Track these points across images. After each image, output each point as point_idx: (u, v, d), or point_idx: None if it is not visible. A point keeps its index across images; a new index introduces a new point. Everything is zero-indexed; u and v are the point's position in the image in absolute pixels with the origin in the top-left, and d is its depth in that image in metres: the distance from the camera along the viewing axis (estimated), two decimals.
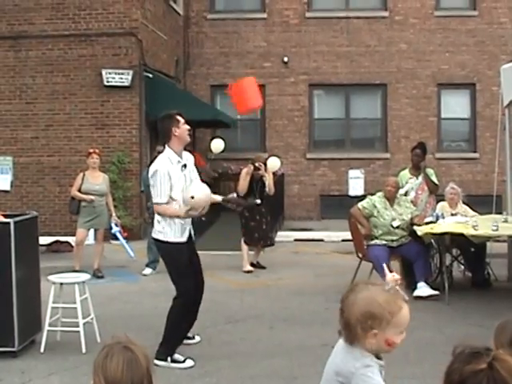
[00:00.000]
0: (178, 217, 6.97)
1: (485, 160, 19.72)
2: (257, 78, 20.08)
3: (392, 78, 20.31)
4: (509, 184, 11.54)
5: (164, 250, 7.21)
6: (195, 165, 7.58)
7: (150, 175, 7.07)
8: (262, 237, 12.64)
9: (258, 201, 12.40)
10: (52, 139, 16.44)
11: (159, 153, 10.59)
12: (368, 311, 2.90)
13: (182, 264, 7.05)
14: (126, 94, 16.25)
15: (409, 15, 20.24)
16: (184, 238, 7.12)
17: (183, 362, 6.97)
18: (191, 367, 6.91)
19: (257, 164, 12.40)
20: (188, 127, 7.21)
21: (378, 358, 3.01)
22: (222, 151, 13.76)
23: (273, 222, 14.68)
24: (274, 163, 13.24)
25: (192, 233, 7.39)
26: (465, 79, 20.29)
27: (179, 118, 7.16)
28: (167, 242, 7.04)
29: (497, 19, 20.20)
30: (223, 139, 13.83)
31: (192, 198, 6.80)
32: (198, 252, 7.49)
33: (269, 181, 12.59)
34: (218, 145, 13.70)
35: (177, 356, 6.98)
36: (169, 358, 6.95)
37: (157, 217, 7.13)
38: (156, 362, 6.83)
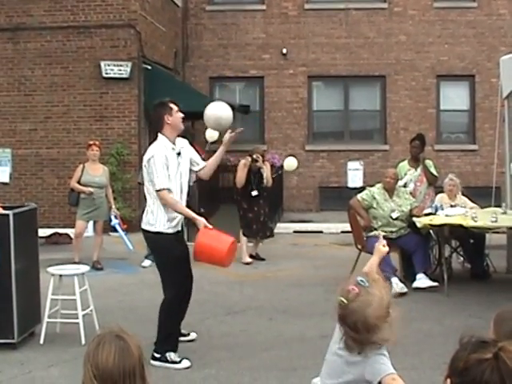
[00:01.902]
0: (178, 212, 6.85)
1: (484, 152, 19.71)
2: (256, 70, 20.30)
3: (391, 69, 20.28)
4: (508, 176, 11.54)
5: (154, 243, 7.04)
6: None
7: (144, 163, 6.89)
8: (260, 228, 12.65)
9: (255, 192, 12.42)
10: (51, 131, 16.42)
11: None
12: (385, 306, 2.97)
13: (173, 256, 6.89)
14: (125, 85, 16.23)
15: (408, 7, 20.20)
16: (176, 229, 6.99)
17: (179, 362, 6.84)
18: (187, 368, 6.81)
19: (255, 156, 12.40)
20: (182, 115, 7.07)
21: None
22: (216, 140, 13.73)
23: (272, 213, 14.69)
24: (291, 163, 13.39)
25: (182, 223, 7.28)
26: (464, 71, 20.27)
27: (172, 105, 7.05)
28: (159, 233, 6.86)
29: (496, 11, 20.17)
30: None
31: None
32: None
33: (266, 173, 12.58)
34: (212, 133, 13.70)
35: (173, 356, 6.86)
36: (167, 354, 6.85)
37: (149, 207, 6.93)
38: (152, 362, 6.76)
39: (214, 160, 7.33)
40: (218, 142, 13.50)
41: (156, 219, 6.87)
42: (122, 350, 2.52)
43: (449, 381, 2.22)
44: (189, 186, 7.44)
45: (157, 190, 6.78)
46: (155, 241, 6.98)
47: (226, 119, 7.09)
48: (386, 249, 3.87)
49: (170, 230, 6.91)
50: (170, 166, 6.80)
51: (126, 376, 2.50)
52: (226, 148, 7.30)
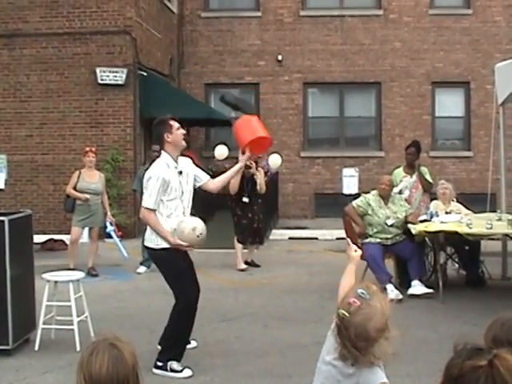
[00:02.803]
0: (162, 236, 6.82)
1: (479, 158, 19.75)
2: (251, 77, 20.31)
3: (386, 76, 20.32)
4: (503, 182, 11.57)
5: (158, 258, 7.01)
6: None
7: (145, 179, 6.91)
8: (252, 234, 12.64)
9: (246, 199, 12.41)
10: (46, 137, 16.42)
11: (154, 152, 10.55)
12: (385, 319, 2.98)
13: (178, 269, 6.89)
14: (121, 92, 16.24)
15: (403, 13, 20.25)
16: None
17: (181, 371, 6.82)
18: (189, 377, 6.77)
19: (248, 162, 12.38)
20: (183, 132, 7.04)
21: None
22: (226, 158, 13.79)
23: (267, 220, 14.68)
24: (275, 160, 13.34)
25: None
26: (459, 77, 20.31)
27: (172, 122, 6.99)
28: (161, 249, 6.86)
29: (491, 18, 20.22)
30: (227, 145, 13.84)
31: (193, 230, 6.72)
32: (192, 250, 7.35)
33: (260, 179, 12.57)
34: (221, 151, 13.72)
35: (175, 365, 6.83)
36: (169, 363, 6.81)
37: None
38: (154, 370, 6.78)
39: (226, 177, 7.44)
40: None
41: (156, 234, 6.87)
42: (115, 358, 2.51)
43: None
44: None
45: (144, 207, 6.84)
46: (160, 256, 6.95)
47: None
48: (359, 252, 3.88)
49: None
50: (171, 185, 6.82)
51: None
52: (242, 166, 7.40)
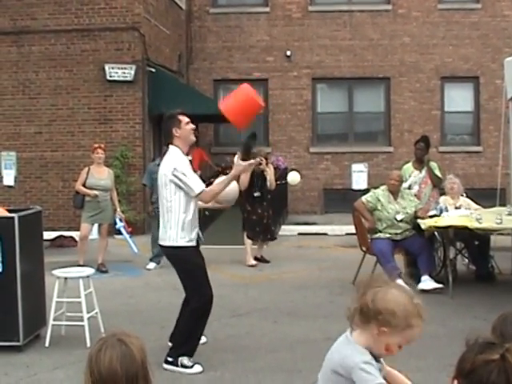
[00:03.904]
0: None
1: (488, 153, 19.69)
2: (260, 72, 20.30)
3: (395, 71, 20.28)
4: None
5: (174, 256, 6.96)
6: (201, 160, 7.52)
7: (168, 175, 6.73)
8: (263, 231, 12.65)
9: (257, 193, 12.44)
10: (55, 134, 16.45)
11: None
12: (393, 309, 2.95)
13: (193, 268, 6.90)
14: (129, 88, 16.26)
15: (412, 8, 20.19)
16: (194, 242, 6.95)
17: (191, 367, 6.82)
18: (200, 373, 6.78)
19: (258, 158, 12.38)
20: (192, 126, 7.01)
21: (377, 360, 3.05)
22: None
23: (276, 216, 14.68)
24: (294, 178, 13.57)
25: (200, 234, 7.20)
26: (468, 72, 20.24)
27: (181, 117, 6.95)
28: (176, 247, 6.83)
29: (500, 12, 20.15)
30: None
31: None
32: (202, 247, 7.31)
33: (270, 175, 12.59)
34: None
35: (186, 361, 6.83)
36: (179, 359, 6.82)
37: (165, 223, 6.89)
38: (164, 365, 6.80)
39: (218, 186, 7.03)
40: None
41: (175, 233, 6.83)
42: (124, 355, 2.51)
43: (456, 382, 2.23)
44: None
45: (197, 194, 6.75)
46: (175, 254, 6.91)
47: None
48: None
49: (189, 244, 6.87)
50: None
51: (128, 381, 2.49)
52: (235, 174, 7.01)
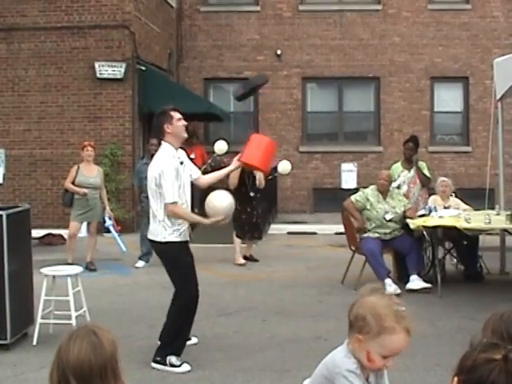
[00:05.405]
0: (190, 221, 6.95)
1: (477, 153, 19.74)
2: (250, 71, 20.27)
3: (385, 71, 20.30)
4: (501, 177, 11.58)
5: (163, 252, 6.93)
6: (189, 157, 7.50)
7: (155, 174, 6.73)
8: (251, 230, 12.64)
9: (252, 194, 12.44)
10: (44, 132, 16.41)
11: (152, 145, 10.51)
12: (363, 314, 2.94)
13: (182, 264, 6.88)
14: (119, 86, 16.22)
15: (402, 8, 20.22)
16: (185, 237, 6.93)
17: (179, 366, 6.80)
18: (188, 372, 6.75)
19: None
20: (184, 123, 6.99)
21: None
22: (226, 152, 13.86)
23: (265, 215, 14.68)
24: (285, 166, 13.48)
25: (190, 231, 7.15)
26: (458, 72, 20.29)
27: (173, 113, 6.93)
28: (166, 243, 6.81)
29: (490, 13, 20.19)
30: (226, 140, 13.95)
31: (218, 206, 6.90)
32: (191, 245, 7.24)
33: (259, 174, 12.57)
34: (221, 146, 13.80)
35: (174, 360, 6.81)
36: (167, 358, 6.80)
37: (154, 218, 6.88)
38: (152, 364, 6.79)
39: (216, 177, 7.54)
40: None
41: (164, 228, 6.81)
42: (93, 345, 2.50)
43: (456, 379, 2.23)
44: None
45: (168, 203, 6.71)
46: (164, 250, 6.89)
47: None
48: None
49: (178, 239, 6.85)
50: (178, 175, 6.80)
51: (96, 371, 2.48)
52: (232, 170, 7.65)
